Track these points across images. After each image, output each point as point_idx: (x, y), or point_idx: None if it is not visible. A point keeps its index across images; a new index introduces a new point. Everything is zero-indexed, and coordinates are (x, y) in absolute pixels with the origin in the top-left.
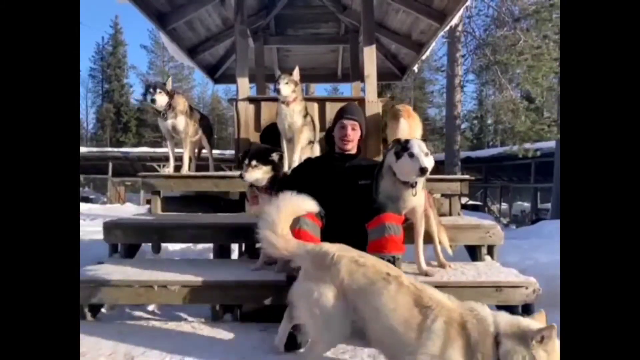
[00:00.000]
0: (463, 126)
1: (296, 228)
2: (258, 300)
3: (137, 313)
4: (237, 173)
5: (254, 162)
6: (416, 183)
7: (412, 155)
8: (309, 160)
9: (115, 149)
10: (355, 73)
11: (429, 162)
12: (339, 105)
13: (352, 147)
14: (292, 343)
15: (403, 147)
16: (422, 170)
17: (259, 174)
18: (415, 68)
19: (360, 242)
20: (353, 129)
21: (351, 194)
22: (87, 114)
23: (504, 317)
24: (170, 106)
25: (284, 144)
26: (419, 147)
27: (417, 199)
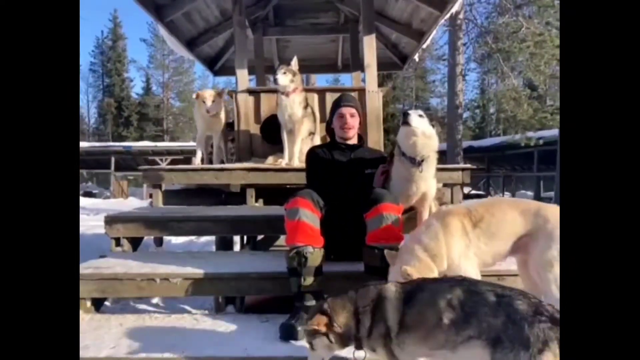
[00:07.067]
0: (465, 115)
1: (295, 219)
2: (259, 291)
3: (141, 306)
4: (237, 165)
5: None
6: (422, 161)
7: (405, 115)
8: (314, 151)
9: (117, 144)
10: (355, 63)
11: (417, 119)
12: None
13: (353, 135)
14: (290, 333)
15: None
16: (404, 115)
17: None
18: (417, 57)
19: (360, 234)
20: (352, 116)
21: (354, 185)
22: (89, 109)
23: None
24: None
25: (285, 136)
26: (414, 111)
27: (429, 184)
